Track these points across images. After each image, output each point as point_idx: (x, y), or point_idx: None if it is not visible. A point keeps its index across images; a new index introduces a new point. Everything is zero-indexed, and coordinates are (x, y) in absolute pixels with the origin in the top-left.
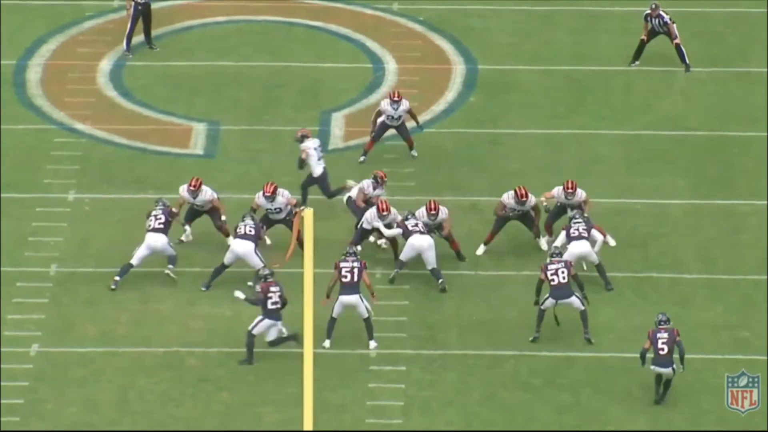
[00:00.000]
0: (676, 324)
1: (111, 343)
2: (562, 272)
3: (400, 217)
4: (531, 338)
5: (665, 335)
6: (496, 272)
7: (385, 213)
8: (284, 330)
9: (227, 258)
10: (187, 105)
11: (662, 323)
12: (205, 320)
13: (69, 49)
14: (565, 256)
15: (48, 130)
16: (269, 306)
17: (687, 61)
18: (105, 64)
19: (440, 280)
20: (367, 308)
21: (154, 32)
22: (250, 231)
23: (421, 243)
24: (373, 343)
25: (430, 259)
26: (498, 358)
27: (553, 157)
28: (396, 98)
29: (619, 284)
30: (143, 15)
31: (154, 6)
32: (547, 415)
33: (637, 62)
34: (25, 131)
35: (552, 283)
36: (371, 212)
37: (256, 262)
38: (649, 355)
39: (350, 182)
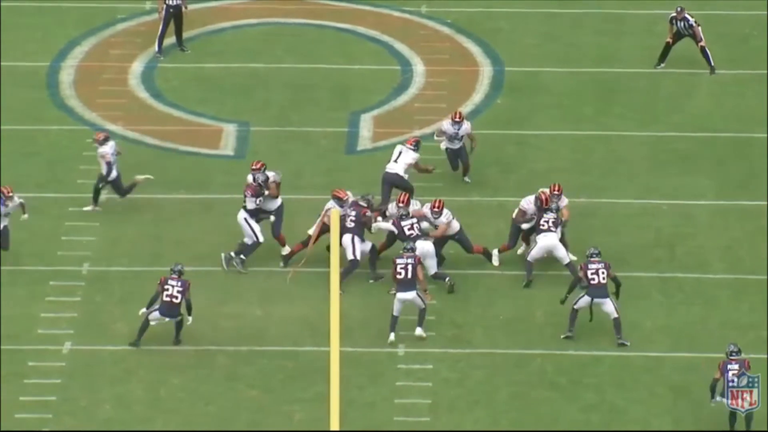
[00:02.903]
0: (702, 324)
1: (142, 342)
2: (602, 272)
3: (396, 212)
4: (563, 335)
5: (736, 366)
6: (522, 272)
7: (401, 205)
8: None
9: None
10: (218, 106)
11: (733, 354)
12: (235, 319)
13: (101, 51)
14: (534, 249)
15: (80, 130)
16: (163, 298)
17: (712, 64)
18: (137, 66)
19: (447, 279)
20: (423, 300)
21: (185, 34)
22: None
23: (429, 249)
24: (419, 330)
25: (431, 266)
26: (524, 356)
27: (579, 158)
28: (457, 119)
29: (644, 284)
30: (174, 17)
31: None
32: (573, 414)
33: (662, 64)
34: (58, 132)
35: (591, 282)
36: (391, 205)
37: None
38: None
39: (139, 177)
